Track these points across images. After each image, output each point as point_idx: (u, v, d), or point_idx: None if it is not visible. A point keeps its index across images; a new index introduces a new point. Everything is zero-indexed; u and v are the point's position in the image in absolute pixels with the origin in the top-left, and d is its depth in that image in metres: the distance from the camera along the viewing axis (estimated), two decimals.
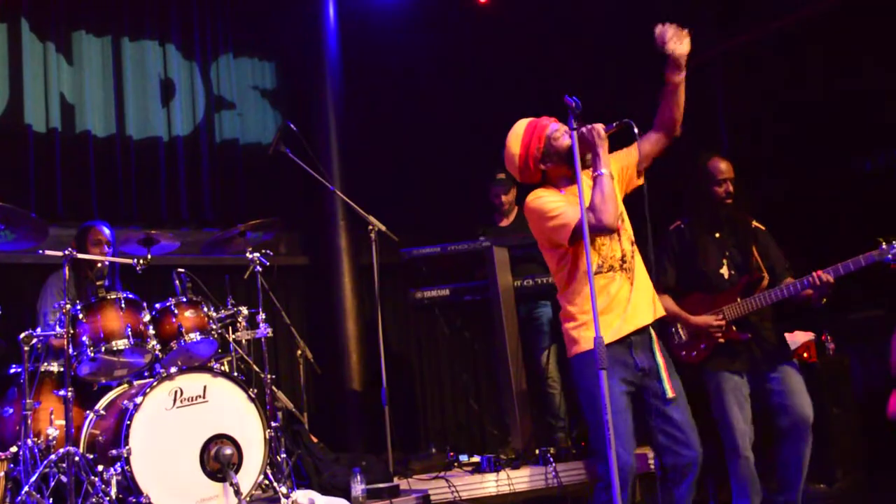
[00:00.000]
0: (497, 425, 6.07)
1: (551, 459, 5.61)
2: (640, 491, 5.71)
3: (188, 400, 4.66)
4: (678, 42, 3.66)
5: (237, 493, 4.47)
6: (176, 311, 5.06)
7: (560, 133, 3.75)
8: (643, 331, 3.72)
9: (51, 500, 4.44)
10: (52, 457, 4.53)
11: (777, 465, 4.53)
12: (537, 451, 5.79)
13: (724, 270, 4.62)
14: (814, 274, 4.34)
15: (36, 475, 4.44)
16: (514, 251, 6.14)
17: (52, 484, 4.50)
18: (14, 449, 4.54)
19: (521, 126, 3.86)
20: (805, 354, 5.77)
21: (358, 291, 7.26)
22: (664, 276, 4.70)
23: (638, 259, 3.78)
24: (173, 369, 4.70)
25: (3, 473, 4.19)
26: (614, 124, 3.63)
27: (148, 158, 7.24)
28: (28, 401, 4.62)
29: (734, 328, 4.53)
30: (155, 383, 4.62)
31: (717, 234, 4.66)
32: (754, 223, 4.70)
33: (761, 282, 4.55)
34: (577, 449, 5.98)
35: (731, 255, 4.63)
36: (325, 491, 5.07)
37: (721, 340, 4.54)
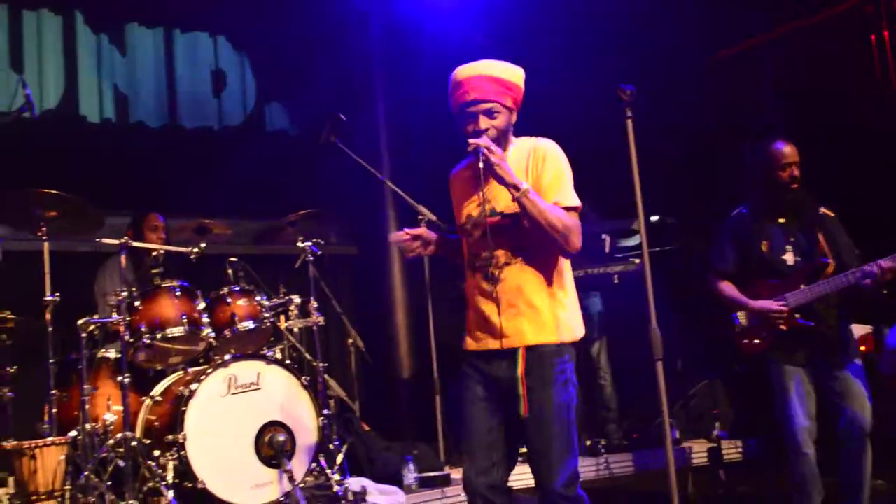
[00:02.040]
0: None
1: (602, 451, 5.58)
2: (693, 484, 5.67)
3: (242, 387, 4.70)
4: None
5: (291, 479, 4.50)
6: (229, 300, 5.10)
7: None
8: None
9: (109, 484, 4.51)
10: (110, 442, 4.60)
11: (839, 467, 4.39)
12: (588, 443, 5.76)
13: (788, 256, 4.50)
14: (878, 263, 4.22)
15: (95, 460, 4.51)
16: None
17: (111, 468, 4.57)
18: (73, 433, 4.60)
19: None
20: (863, 347, 5.66)
21: (408, 280, 7.26)
22: (724, 262, 4.61)
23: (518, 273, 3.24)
24: (227, 357, 4.74)
25: (63, 457, 4.25)
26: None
27: (200, 148, 7.31)
28: (86, 386, 4.68)
29: (797, 316, 4.42)
30: (210, 370, 4.67)
31: (782, 220, 4.52)
32: (822, 209, 4.54)
33: (826, 269, 4.41)
34: (629, 441, 5.95)
35: (796, 242, 4.49)
36: (377, 479, 5.10)
37: (783, 328, 4.41)
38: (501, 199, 3.23)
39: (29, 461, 4.21)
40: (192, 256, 5.16)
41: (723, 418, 6.13)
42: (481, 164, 3.11)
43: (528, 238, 3.19)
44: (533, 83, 7.59)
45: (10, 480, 4.62)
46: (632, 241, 6.24)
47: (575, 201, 3.26)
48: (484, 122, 3.22)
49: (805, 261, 4.46)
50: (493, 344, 3.19)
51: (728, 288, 4.53)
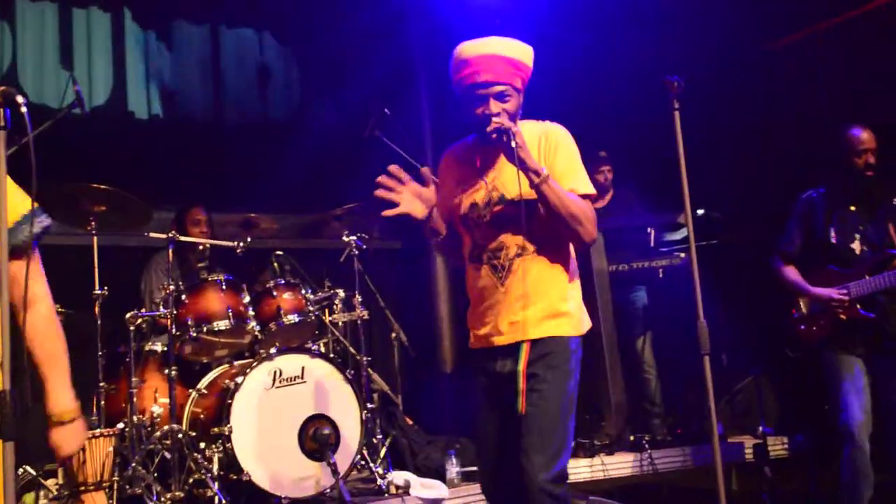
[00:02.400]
0: (591, 410, 6.01)
1: (647, 446, 5.55)
2: (738, 480, 5.61)
3: (287, 380, 4.73)
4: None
5: (335, 472, 4.52)
6: (275, 293, 5.13)
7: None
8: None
9: (156, 475, 4.57)
10: (157, 434, 4.66)
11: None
12: (632, 438, 5.73)
13: (856, 245, 4.38)
14: None
15: (142, 452, 4.58)
16: (608, 235, 6.06)
17: (157, 460, 4.64)
18: (121, 425, 4.67)
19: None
20: None
21: (451, 274, 7.27)
22: (791, 244, 4.54)
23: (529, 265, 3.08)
24: (273, 350, 4.78)
25: (111, 449, 4.31)
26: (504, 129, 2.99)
27: (246, 143, 7.37)
28: (134, 379, 4.76)
29: (858, 307, 4.31)
30: (255, 363, 4.71)
31: (853, 207, 4.41)
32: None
33: (893, 260, 4.29)
34: (674, 436, 5.91)
35: (865, 231, 4.36)
36: (419, 472, 5.11)
37: (843, 318, 4.32)
38: (511, 186, 3.03)
39: (78, 452, 4.26)
40: (238, 250, 5.21)
41: (768, 414, 6.06)
42: (514, 144, 2.90)
43: (541, 228, 3.05)
44: (579, 73, 7.57)
45: (60, 471, 4.70)
46: (677, 235, 6.18)
47: (591, 188, 3.10)
48: (495, 107, 3.02)
49: (872, 251, 4.35)
50: (499, 339, 3.06)
51: (791, 272, 4.46)
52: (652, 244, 6.14)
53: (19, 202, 2.48)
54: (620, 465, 5.48)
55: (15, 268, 2.43)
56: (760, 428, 5.55)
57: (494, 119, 2.97)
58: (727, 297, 5.79)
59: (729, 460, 5.60)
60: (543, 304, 3.03)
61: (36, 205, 2.47)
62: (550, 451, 2.92)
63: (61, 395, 2.61)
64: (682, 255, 5.95)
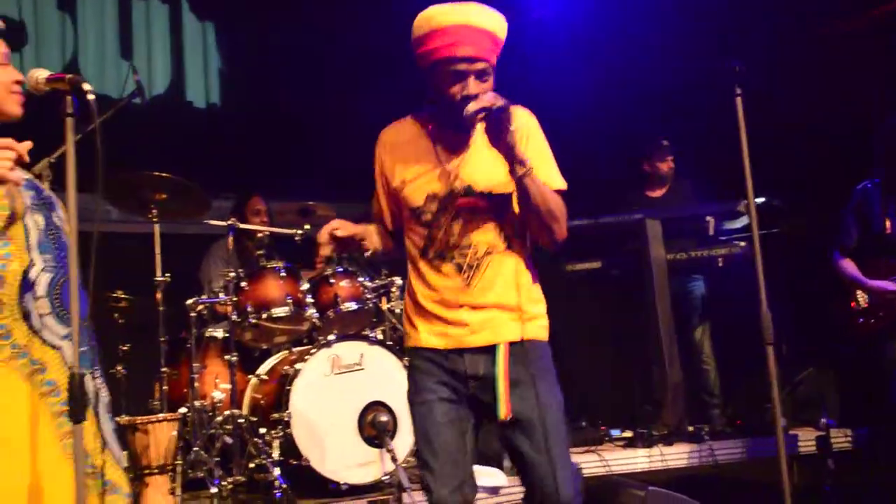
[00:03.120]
0: (649, 401, 5.97)
1: (706, 437, 5.49)
2: (799, 473, 5.53)
3: (345, 367, 4.75)
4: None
5: (393, 459, 4.53)
6: (332, 281, 5.16)
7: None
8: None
9: (217, 460, 4.62)
10: (218, 419, 4.72)
11: None
12: (691, 428, 5.67)
13: None
14: None
15: (203, 436, 4.64)
16: (667, 224, 6.00)
17: (219, 445, 4.69)
18: (183, 410, 4.73)
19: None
20: None
21: None
22: (848, 237, 4.46)
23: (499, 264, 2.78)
24: (331, 337, 4.80)
25: (174, 433, 4.38)
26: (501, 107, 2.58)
27: (303, 131, 7.41)
28: (195, 365, 4.81)
29: None
30: (314, 350, 4.74)
31: None
32: None
33: None
34: (733, 427, 5.84)
35: None
36: (478, 461, 5.10)
37: None
38: (480, 177, 2.71)
39: (142, 436, 4.34)
40: (297, 238, 5.24)
41: (831, 405, 5.96)
42: (512, 128, 2.55)
43: (510, 224, 2.77)
44: (635, 60, 7.48)
45: (124, 455, 4.77)
46: (737, 223, 6.09)
47: (563, 183, 2.79)
48: (476, 87, 2.62)
49: None
50: (472, 339, 2.70)
51: (849, 266, 4.40)
52: (711, 233, 6.06)
53: None
54: (679, 455, 5.43)
55: None
56: (823, 419, 5.46)
57: (485, 98, 2.58)
58: (788, 286, 5.71)
59: (791, 452, 5.52)
60: (517, 304, 2.73)
61: None
62: (563, 464, 2.67)
63: None
64: (742, 243, 5.86)
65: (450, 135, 2.76)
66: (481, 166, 2.72)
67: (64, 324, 2.41)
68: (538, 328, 2.78)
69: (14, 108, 2.47)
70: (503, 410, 2.64)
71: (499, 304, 2.72)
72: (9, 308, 2.34)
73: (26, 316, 2.36)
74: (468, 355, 2.71)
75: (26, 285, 2.37)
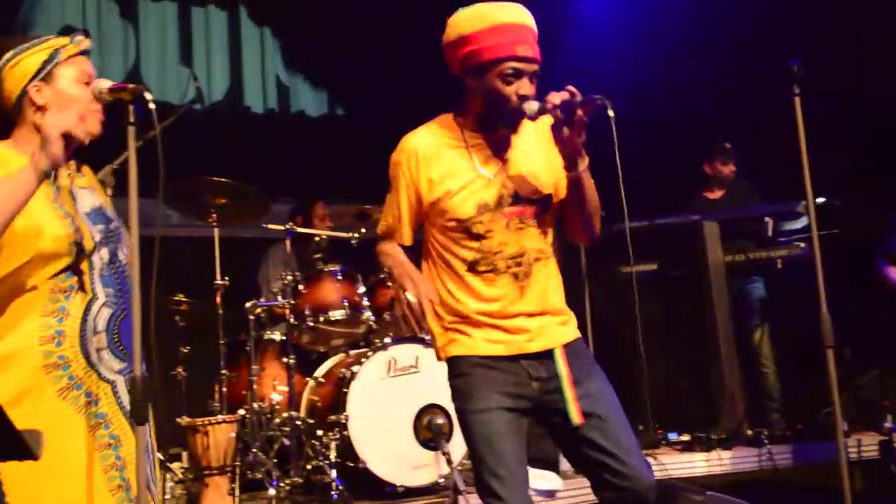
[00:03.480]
0: (707, 404, 5.91)
1: (765, 441, 5.41)
2: (861, 478, 5.43)
3: (401, 370, 4.78)
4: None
5: (449, 461, 4.54)
6: (389, 284, 5.19)
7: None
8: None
9: (275, 461, 4.68)
10: (276, 421, 4.78)
11: None
12: (750, 432, 5.60)
13: None
14: None
15: (262, 438, 4.70)
16: (726, 226, 5.94)
17: (276, 446, 4.75)
18: (242, 412, 4.80)
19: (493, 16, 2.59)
20: None
21: (564, 266, 7.21)
22: (892, 243, 4.38)
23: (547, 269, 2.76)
24: (387, 339, 4.83)
25: (233, 435, 4.44)
26: (577, 100, 2.49)
27: (359, 136, 7.47)
28: (254, 367, 4.88)
29: None
30: (370, 353, 4.78)
31: None
32: None
33: None
34: (793, 431, 5.75)
35: None
36: (533, 464, 5.09)
37: None
38: (525, 183, 2.66)
39: (202, 437, 4.41)
40: (353, 241, 5.29)
41: (895, 410, 5.85)
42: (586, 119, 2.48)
43: (551, 228, 2.75)
44: (694, 62, 7.41)
45: (184, 455, 4.87)
46: (796, 224, 6.01)
47: None
48: (530, 88, 2.56)
49: None
50: (526, 347, 2.65)
51: (893, 273, 4.31)
52: (770, 234, 5.98)
53: None
54: (738, 459, 5.36)
55: None
56: (887, 424, 5.37)
57: (565, 91, 2.49)
58: (849, 288, 5.62)
59: (852, 457, 5.42)
60: (562, 307, 2.75)
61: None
62: (639, 448, 2.68)
63: None
64: (802, 244, 5.78)
65: (488, 140, 2.69)
66: (525, 171, 2.66)
67: (119, 359, 2.44)
68: (576, 327, 2.77)
69: (95, 127, 2.50)
70: (575, 416, 2.60)
71: (551, 309, 2.70)
72: (70, 340, 2.37)
73: (85, 349, 2.39)
74: (525, 361, 2.66)
75: (87, 318, 2.40)
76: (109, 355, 2.43)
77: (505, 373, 2.64)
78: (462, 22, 2.60)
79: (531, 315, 2.67)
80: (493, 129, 2.66)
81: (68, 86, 2.49)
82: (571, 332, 2.74)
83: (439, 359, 2.79)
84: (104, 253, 2.50)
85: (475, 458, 2.64)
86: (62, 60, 2.50)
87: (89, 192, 2.57)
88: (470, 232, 2.64)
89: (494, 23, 2.55)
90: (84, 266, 2.44)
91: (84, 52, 2.56)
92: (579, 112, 2.47)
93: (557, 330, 2.70)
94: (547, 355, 2.67)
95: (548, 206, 2.71)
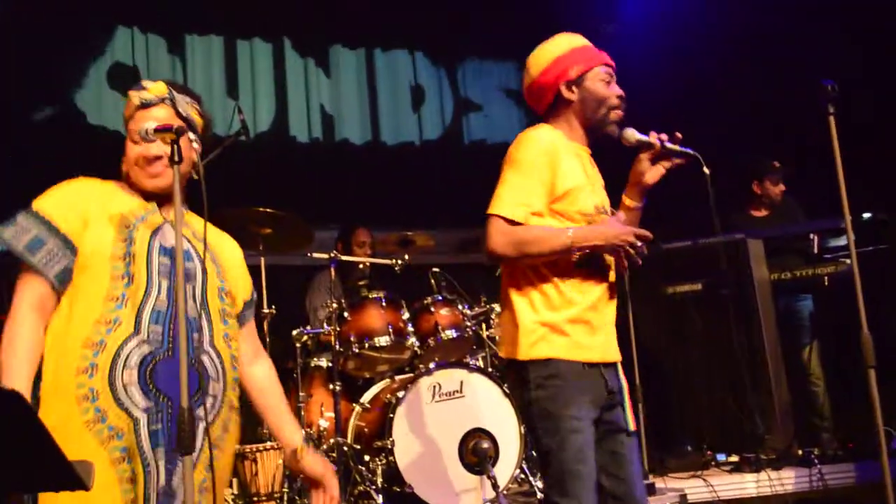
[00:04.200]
0: (756, 424, 5.85)
1: (816, 461, 5.35)
2: None
3: (446, 395, 4.81)
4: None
5: (494, 486, 4.56)
6: (433, 309, 5.23)
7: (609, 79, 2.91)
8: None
9: None
10: (324, 447, 4.83)
11: None
12: (800, 452, 5.54)
13: None
14: None
15: None
16: (770, 243, 5.91)
17: None
18: None
19: (577, 41, 2.99)
20: None
21: None
22: None
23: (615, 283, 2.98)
24: (431, 365, 4.87)
25: (281, 461, 4.50)
26: (677, 147, 2.83)
27: (402, 163, 7.57)
28: (301, 394, 4.95)
29: None
30: (415, 378, 4.82)
31: None
32: None
33: None
34: (845, 450, 5.67)
35: None
36: None
37: None
38: (604, 197, 2.97)
39: (251, 464, 4.48)
40: (397, 268, 5.35)
41: None
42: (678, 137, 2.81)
43: None
44: (736, 79, 7.37)
45: (234, 482, 4.93)
46: (842, 240, 5.95)
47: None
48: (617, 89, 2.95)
49: None
50: (613, 355, 2.87)
51: None
52: (815, 251, 5.94)
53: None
54: (788, 480, 5.30)
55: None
56: None
57: (658, 135, 2.85)
58: None
59: None
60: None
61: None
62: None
63: (297, 433, 2.82)
64: (848, 261, 5.71)
65: (583, 153, 2.95)
66: (601, 187, 2.98)
67: (147, 398, 2.39)
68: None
69: (144, 182, 2.57)
70: (633, 422, 2.81)
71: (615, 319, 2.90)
72: (101, 372, 2.35)
73: (112, 382, 2.36)
74: (603, 369, 2.80)
75: (120, 352, 2.37)
76: (136, 391, 2.37)
77: (591, 382, 2.76)
78: (550, 49, 2.94)
79: (610, 323, 2.87)
80: (589, 141, 2.95)
81: (126, 144, 2.59)
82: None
83: (517, 357, 2.79)
84: (163, 289, 2.46)
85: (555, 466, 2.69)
86: (127, 121, 2.61)
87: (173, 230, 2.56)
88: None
89: (578, 44, 2.94)
90: (136, 295, 2.42)
91: (145, 105, 2.58)
92: (674, 160, 2.81)
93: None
94: (614, 366, 2.88)
95: None
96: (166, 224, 2.57)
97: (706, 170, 2.71)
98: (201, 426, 2.45)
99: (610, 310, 2.87)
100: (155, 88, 2.59)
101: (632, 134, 2.79)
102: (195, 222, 2.66)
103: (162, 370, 2.40)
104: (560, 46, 2.93)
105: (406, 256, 5.40)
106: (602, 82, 2.87)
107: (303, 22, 7.53)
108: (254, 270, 5.05)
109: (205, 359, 2.47)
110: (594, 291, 2.81)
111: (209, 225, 2.59)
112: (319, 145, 7.45)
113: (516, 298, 2.81)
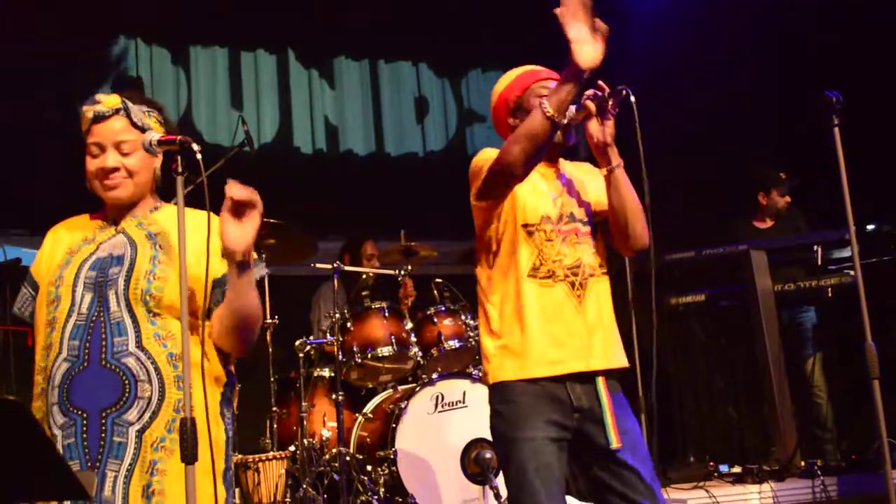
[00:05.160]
0: (759, 435, 5.85)
1: (818, 472, 5.34)
2: None
3: (449, 405, 4.82)
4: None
5: (497, 496, 4.55)
6: (435, 319, 5.24)
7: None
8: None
9: (325, 496, 4.74)
10: (326, 457, 4.84)
11: None
12: (803, 464, 5.53)
13: None
14: None
15: (312, 474, 4.76)
16: (774, 255, 5.91)
17: (327, 482, 4.81)
18: (292, 448, 4.87)
19: (520, 69, 3.01)
20: None
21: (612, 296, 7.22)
22: None
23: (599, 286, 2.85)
24: (434, 375, 4.88)
25: (283, 471, 4.51)
26: (605, 93, 2.73)
27: (405, 174, 7.59)
28: (304, 404, 4.95)
29: None
30: (418, 388, 4.83)
31: None
32: None
33: None
34: (848, 462, 5.66)
35: None
36: (582, 497, 5.08)
37: None
38: (574, 206, 2.86)
39: (253, 474, 4.49)
40: (400, 279, 5.37)
41: None
42: (632, 99, 2.68)
43: (603, 248, 2.89)
44: (740, 88, 7.37)
45: (237, 492, 4.93)
46: (846, 252, 5.95)
47: None
48: None
49: None
50: (575, 365, 2.71)
51: None
52: (819, 262, 5.93)
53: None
54: (790, 492, 5.28)
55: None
56: None
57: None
58: None
59: None
60: (612, 330, 2.84)
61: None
62: (658, 491, 2.81)
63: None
64: (852, 273, 5.71)
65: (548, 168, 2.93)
66: (580, 187, 2.93)
67: (63, 414, 2.39)
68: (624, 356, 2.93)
69: (103, 194, 2.57)
70: (615, 439, 2.70)
71: (602, 327, 2.80)
72: (45, 397, 2.43)
73: (49, 404, 2.42)
74: (575, 383, 2.72)
75: (53, 375, 2.42)
76: (57, 409, 2.39)
77: (550, 392, 2.70)
78: (497, 86, 2.99)
79: (588, 331, 2.75)
80: (554, 155, 2.90)
81: (86, 159, 2.57)
82: (621, 358, 2.84)
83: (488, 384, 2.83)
84: (84, 302, 2.47)
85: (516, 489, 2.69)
86: (84, 136, 2.60)
87: (124, 238, 2.56)
88: (530, 235, 2.78)
89: (518, 72, 2.95)
90: (59, 319, 2.46)
91: (99, 119, 2.56)
92: (608, 103, 2.70)
93: (608, 353, 2.79)
94: (593, 377, 2.74)
95: (600, 225, 2.89)
96: (119, 235, 2.57)
97: (633, 98, 2.65)
98: (133, 430, 2.41)
99: (587, 314, 2.75)
100: (108, 101, 2.58)
101: (570, 112, 2.65)
102: (163, 219, 2.63)
103: (77, 384, 2.40)
104: (504, 81, 2.97)
105: (409, 267, 5.41)
106: (538, 98, 2.72)
107: (307, 33, 7.56)
108: (257, 281, 5.11)
109: (130, 361, 2.43)
110: (550, 300, 2.74)
111: (188, 213, 2.55)
112: (323, 156, 7.47)
113: (480, 326, 2.86)
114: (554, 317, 2.72)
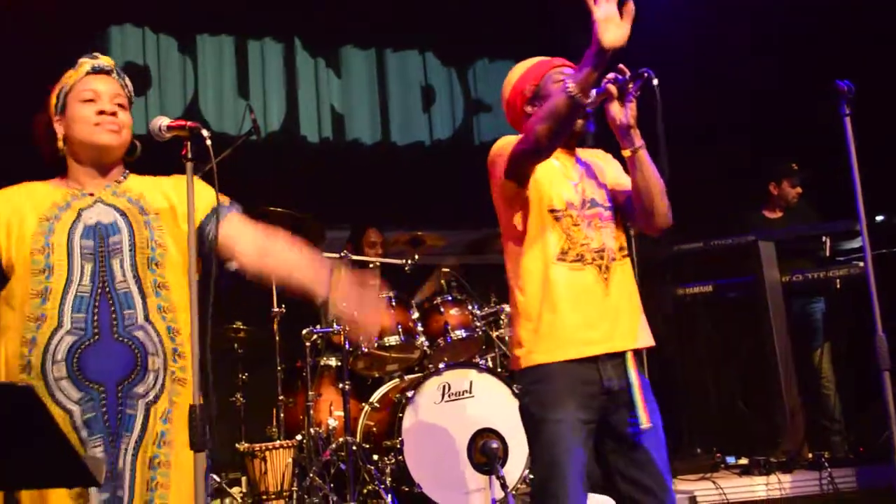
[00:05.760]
0: (766, 427, 5.83)
1: (826, 464, 5.32)
2: None
3: (455, 394, 4.82)
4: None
5: (503, 486, 4.56)
6: (442, 309, 5.24)
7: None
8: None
9: (332, 485, 4.73)
10: (333, 446, 4.83)
11: None
12: (810, 455, 5.51)
13: None
14: None
15: (319, 463, 4.76)
16: (782, 245, 5.88)
17: (333, 471, 4.80)
18: (299, 437, 4.86)
19: (533, 60, 3.05)
20: None
21: None
22: None
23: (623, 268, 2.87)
24: (441, 365, 4.87)
25: (290, 460, 4.50)
26: (627, 76, 2.73)
27: (412, 163, 7.56)
28: (310, 393, 4.95)
29: None
30: (424, 378, 4.82)
31: None
32: None
33: None
34: (855, 454, 5.65)
35: None
36: (588, 488, 5.08)
37: None
38: (595, 191, 2.89)
39: (260, 462, 4.49)
40: (406, 268, 5.35)
41: None
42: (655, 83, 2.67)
43: (623, 232, 2.92)
44: (747, 78, 7.33)
45: (243, 480, 4.94)
46: (855, 243, 5.92)
47: None
48: None
49: None
50: (606, 346, 2.73)
51: None
52: (828, 253, 5.91)
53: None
54: (798, 483, 5.28)
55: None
56: None
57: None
58: None
59: None
60: (638, 311, 2.86)
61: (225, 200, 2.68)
62: (670, 474, 2.80)
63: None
64: (861, 264, 5.69)
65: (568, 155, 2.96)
66: (598, 170, 2.97)
67: (78, 389, 2.38)
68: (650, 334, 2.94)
69: (101, 137, 2.55)
70: (646, 419, 2.72)
71: (629, 308, 2.83)
72: (35, 370, 2.36)
73: (46, 378, 2.37)
74: (603, 364, 2.74)
75: (49, 348, 2.37)
76: (69, 384, 2.37)
77: (580, 374, 2.71)
78: (510, 77, 3.04)
79: (615, 313, 2.76)
80: (574, 142, 2.93)
81: (71, 109, 2.56)
82: (647, 338, 2.86)
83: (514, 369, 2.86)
84: (87, 269, 2.45)
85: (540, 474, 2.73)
86: (68, 90, 2.58)
87: (106, 207, 2.54)
88: (558, 219, 2.80)
89: (533, 61, 3.00)
90: (55, 290, 2.41)
91: (97, 71, 2.61)
92: (630, 86, 2.71)
93: (635, 333, 2.81)
94: (621, 357, 2.76)
95: (617, 213, 2.91)
96: (97, 203, 2.54)
97: (656, 81, 2.65)
98: (142, 403, 2.42)
99: (616, 295, 2.77)
100: (106, 59, 2.64)
101: (591, 95, 2.66)
102: (136, 185, 2.63)
103: (90, 357, 2.39)
104: (516, 73, 3.02)
105: (416, 256, 5.40)
106: (555, 84, 2.82)
107: (313, 22, 7.52)
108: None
109: (140, 334, 2.43)
110: (578, 285, 2.75)
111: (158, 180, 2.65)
112: (330, 145, 7.44)
113: (512, 312, 2.89)
114: (584, 299, 2.74)
